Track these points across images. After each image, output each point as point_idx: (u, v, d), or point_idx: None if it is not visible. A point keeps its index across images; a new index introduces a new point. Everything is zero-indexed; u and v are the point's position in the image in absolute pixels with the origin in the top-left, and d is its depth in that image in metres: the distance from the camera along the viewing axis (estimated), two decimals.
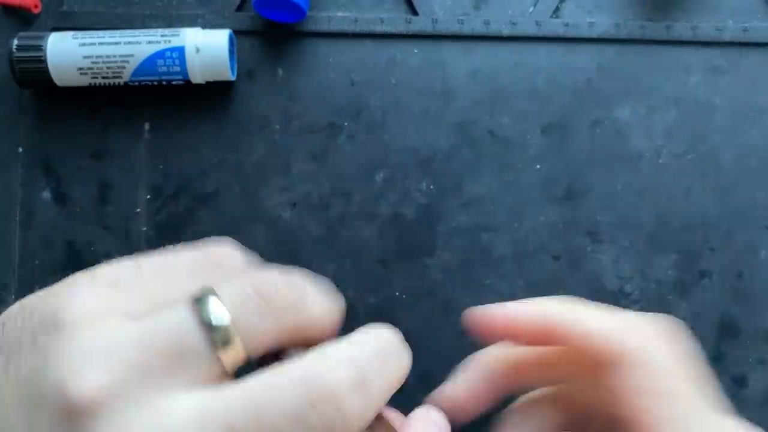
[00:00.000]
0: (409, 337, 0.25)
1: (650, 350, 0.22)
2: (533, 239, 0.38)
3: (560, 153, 0.38)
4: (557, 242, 0.38)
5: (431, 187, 0.38)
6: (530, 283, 0.37)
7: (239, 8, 0.38)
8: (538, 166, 0.38)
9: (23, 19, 0.38)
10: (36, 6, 0.38)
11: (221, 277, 0.18)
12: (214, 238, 0.20)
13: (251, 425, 0.15)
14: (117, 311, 0.17)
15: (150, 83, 0.36)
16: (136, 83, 0.36)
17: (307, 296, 0.19)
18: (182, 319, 0.17)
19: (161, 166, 0.38)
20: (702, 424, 0.22)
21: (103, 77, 0.36)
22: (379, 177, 0.38)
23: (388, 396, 0.18)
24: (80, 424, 0.15)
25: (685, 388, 0.22)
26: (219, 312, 0.17)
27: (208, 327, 0.16)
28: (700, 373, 0.23)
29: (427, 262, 0.37)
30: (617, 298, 0.37)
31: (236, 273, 0.19)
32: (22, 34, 0.36)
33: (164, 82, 0.36)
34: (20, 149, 0.38)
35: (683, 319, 0.38)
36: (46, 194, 0.38)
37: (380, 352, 0.18)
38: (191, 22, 0.38)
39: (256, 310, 0.17)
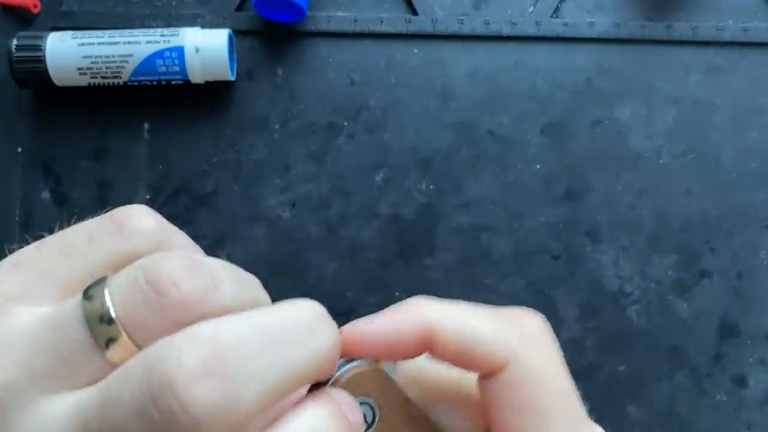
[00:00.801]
0: None
1: (530, 359, 0.20)
2: (533, 239, 0.37)
3: (560, 153, 0.38)
4: (557, 242, 0.38)
5: (431, 187, 0.38)
6: (530, 283, 0.37)
7: (239, 8, 0.38)
8: (538, 166, 0.38)
9: (22, 18, 0.38)
10: (35, 6, 0.38)
11: (122, 244, 0.17)
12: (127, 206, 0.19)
13: (99, 423, 0.14)
14: (15, 297, 0.16)
15: (149, 83, 0.36)
16: (136, 83, 0.36)
17: (219, 290, 0.16)
18: (69, 315, 0.16)
19: (161, 166, 0.38)
20: None
21: (103, 77, 0.36)
22: (379, 177, 0.38)
23: (280, 386, 0.15)
24: None
25: (561, 406, 0.20)
26: (102, 307, 0.15)
27: (92, 323, 0.15)
28: (569, 381, 0.21)
29: (427, 262, 0.37)
30: (617, 298, 0.37)
31: (142, 237, 0.17)
32: (21, 34, 0.36)
33: (164, 82, 0.36)
34: (20, 149, 0.38)
35: (683, 319, 0.38)
36: (46, 194, 0.38)
37: (271, 329, 0.15)
38: (191, 22, 0.38)
39: (146, 303, 0.15)
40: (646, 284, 0.37)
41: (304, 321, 0.16)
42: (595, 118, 0.38)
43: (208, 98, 0.38)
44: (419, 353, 0.21)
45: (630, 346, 0.37)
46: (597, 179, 0.38)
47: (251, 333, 0.15)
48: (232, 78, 0.37)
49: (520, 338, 0.20)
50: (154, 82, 0.36)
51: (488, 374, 0.20)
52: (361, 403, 0.19)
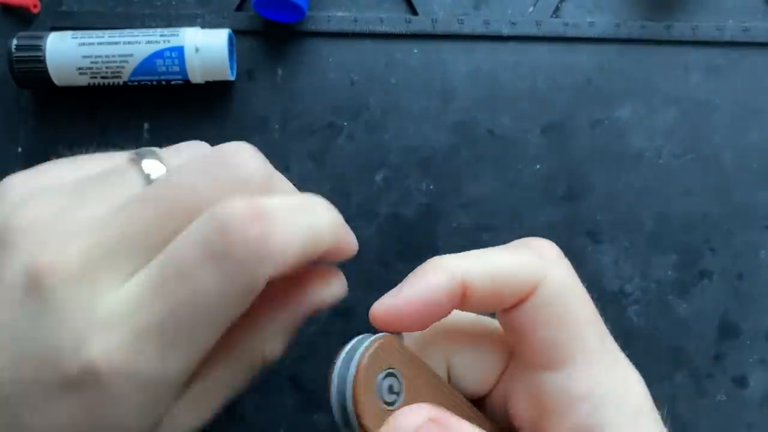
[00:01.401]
0: None
1: (556, 277, 0.20)
2: None
3: (560, 153, 0.38)
4: (557, 242, 0.37)
5: (431, 187, 0.38)
6: None
7: (239, 8, 0.38)
8: (538, 166, 0.38)
9: (22, 18, 0.38)
10: (35, 6, 0.38)
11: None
12: None
13: (162, 269, 0.17)
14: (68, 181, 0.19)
15: (149, 83, 0.36)
16: (136, 83, 0.36)
17: (273, 178, 0.20)
18: (129, 177, 0.19)
19: None
20: (603, 363, 0.20)
21: (103, 77, 0.36)
22: (379, 177, 0.38)
23: (305, 243, 0.19)
24: (40, 296, 0.16)
25: (590, 317, 0.21)
26: (155, 166, 0.19)
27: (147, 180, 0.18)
28: (589, 296, 0.21)
29: None
30: (617, 298, 0.37)
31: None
32: (21, 33, 0.36)
33: (163, 82, 0.36)
34: (19, 149, 0.38)
35: (683, 319, 0.38)
36: None
37: (296, 204, 0.19)
38: (191, 22, 0.38)
39: (198, 169, 0.18)
40: (646, 284, 0.37)
41: (317, 202, 0.21)
42: (595, 118, 0.38)
43: (208, 98, 0.38)
44: (452, 310, 0.21)
45: (630, 346, 0.37)
46: (597, 179, 0.38)
47: (281, 204, 0.19)
48: (232, 78, 0.37)
49: (542, 261, 0.20)
50: (154, 82, 0.36)
51: (517, 303, 0.20)
52: (387, 375, 0.19)
